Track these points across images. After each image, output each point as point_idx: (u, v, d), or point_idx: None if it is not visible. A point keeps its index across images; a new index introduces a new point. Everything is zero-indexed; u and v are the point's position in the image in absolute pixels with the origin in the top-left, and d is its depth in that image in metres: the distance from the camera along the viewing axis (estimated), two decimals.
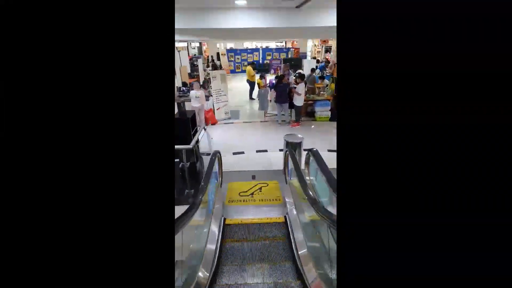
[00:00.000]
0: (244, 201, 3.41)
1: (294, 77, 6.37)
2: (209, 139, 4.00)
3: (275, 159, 4.52)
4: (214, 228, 2.64)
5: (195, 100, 5.86)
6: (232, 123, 6.66)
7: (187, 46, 12.96)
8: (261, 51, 15.79)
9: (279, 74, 6.84)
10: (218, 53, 14.84)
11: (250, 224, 2.88)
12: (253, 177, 3.96)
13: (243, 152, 4.87)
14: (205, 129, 3.81)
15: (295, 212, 2.84)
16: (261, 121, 6.71)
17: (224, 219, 2.98)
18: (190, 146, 3.08)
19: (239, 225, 2.88)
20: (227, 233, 2.73)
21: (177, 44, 9.17)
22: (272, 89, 6.47)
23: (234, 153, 4.84)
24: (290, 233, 2.62)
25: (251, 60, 13.66)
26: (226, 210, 3.22)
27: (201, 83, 7.65)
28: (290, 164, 3.13)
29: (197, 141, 3.31)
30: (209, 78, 6.93)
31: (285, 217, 2.98)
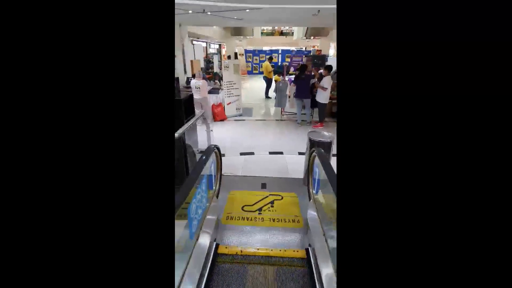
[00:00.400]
0: (248, 219, 2.44)
1: (319, 71, 5.37)
2: (208, 132, 3.10)
3: (293, 164, 3.53)
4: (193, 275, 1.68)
5: (196, 92, 5.03)
6: (244, 120, 5.75)
7: (206, 47, 12.57)
8: (280, 52, 15.03)
9: (300, 64, 5.87)
10: (236, 53, 14.23)
11: (253, 257, 1.90)
12: (263, 186, 2.99)
13: (252, 153, 3.92)
14: (204, 119, 2.89)
15: (324, 244, 1.83)
16: (277, 120, 5.75)
17: (217, 246, 2.02)
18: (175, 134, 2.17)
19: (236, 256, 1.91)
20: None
21: (196, 43, 8.57)
22: (292, 83, 5.52)
23: (241, 154, 3.90)
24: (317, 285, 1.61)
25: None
26: (222, 231, 2.26)
27: (212, 76, 6.83)
28: (318, 172, 2.14)
29: (185, 132, 2.40)
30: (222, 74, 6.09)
31: (307, 250, 1.98)
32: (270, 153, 3.95)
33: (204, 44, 12.26)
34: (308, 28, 11.04)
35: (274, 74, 8.11)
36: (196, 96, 5.08)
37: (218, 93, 5.72)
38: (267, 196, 2.76)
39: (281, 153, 3.93)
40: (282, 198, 2.75)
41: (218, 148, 2.39)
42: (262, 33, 17.93)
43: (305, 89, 5.01)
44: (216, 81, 6.47)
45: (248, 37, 14.61)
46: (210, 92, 5.70)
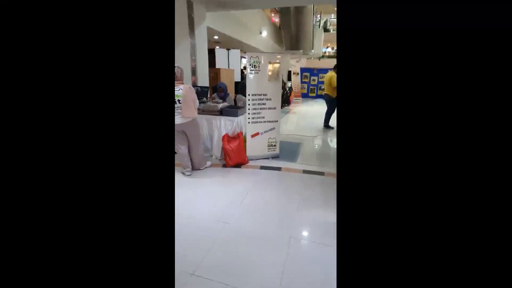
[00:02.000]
0: None
1: None
2: None
3: None
4: None
5: (175, 112, 2.51)
6: (279, 169, 2.94)
7: None
8: None
9: None
10: (289, 72, 11.90)
11: None
12: None
13: None
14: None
15: None
16: None
17: None
18: None
19: None
20: None
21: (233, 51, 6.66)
22: None
23: None
24: None
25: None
26: None
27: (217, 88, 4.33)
28: None
29: None
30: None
31: None
32: None
33: None
34: None
35: None
36: (176, 120, 2.58)
37: (236, 115, 3.14)
38: None
39: None
40: None
41: None
42: (322, 56, 15.55)
43: None
44: (216, 97, 3.83)
45: (306, 54, 12.21)
46: (224, 112, 3.17)
